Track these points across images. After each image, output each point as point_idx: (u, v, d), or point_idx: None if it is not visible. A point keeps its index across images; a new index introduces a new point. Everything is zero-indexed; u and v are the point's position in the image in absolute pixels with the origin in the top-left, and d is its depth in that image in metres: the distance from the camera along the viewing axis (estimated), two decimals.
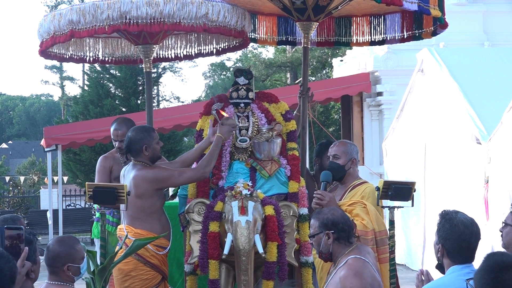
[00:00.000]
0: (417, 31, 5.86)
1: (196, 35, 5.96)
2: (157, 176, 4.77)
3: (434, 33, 5.82)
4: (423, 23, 5.78)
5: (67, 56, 5.89)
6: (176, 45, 6.10)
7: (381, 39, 6.05)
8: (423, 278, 3.38)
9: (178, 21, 4.84)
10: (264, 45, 30.85)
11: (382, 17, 5.97)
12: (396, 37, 5.98)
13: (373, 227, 4.46)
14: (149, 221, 4.78)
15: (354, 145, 4.98)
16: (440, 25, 5.65)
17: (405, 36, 5.95)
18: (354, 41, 6.13)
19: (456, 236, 3.22)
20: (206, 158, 4.83)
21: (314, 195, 4.69)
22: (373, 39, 6.07)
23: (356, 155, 4.86)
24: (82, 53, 5.98)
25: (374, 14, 5.99)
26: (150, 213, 4.78)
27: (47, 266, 3.50)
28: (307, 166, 5.73)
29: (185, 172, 4.80)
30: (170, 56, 6.21)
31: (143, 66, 5.64)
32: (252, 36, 6.04)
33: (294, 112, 5.47)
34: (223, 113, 4.98)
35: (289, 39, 6.12)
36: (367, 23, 6.04)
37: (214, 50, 6.05)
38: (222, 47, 6.02)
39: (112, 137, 5.82)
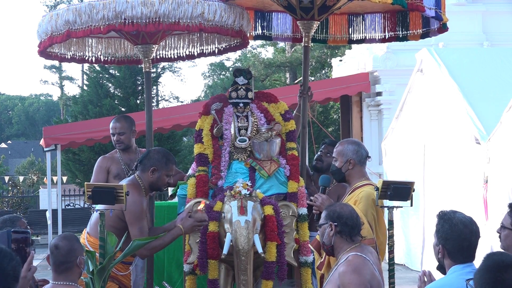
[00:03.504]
0: (400, 33, 5.88)
1: (198, 35, 5.95)
2: (131, 207, 4.50)
3: (425, 36, 5.83)
4: (409, 25, 5.80)
5: (69, 57, 5.88)
6: (178, 45, 6.08)
7: (359, 39, 6.06)
8: (425, 279, 3.37)
9: (173, 20, 4.81)
10: (264, 45, 30.92)
11: (361, 16, 5.99)
12: (376, 37, 6.00)
13: None
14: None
15: (353, 143, 4.81)
16: (439, 29, 5.66)
17: (387, 37, 5.96)
18: (331, 39, 6.15)
19: (456, 235, 3.21)
20: (156, 243, 4.56)
21: (311, 197, 4.74)
22: (351, 38, 6.09)
23: (354, 155, 4.69)
24: (83, 53, 5.97)
25: (352, 13, 6.00)
26: (109, 226, 4.49)
27: (59, 265, 3.45)
28: (308, 167, 5.75)
29: (141, 234, 4.53)
30: (172, 56, 6.19)
31: (143, 66, 5.64)
32: None
33: (294, 112, 5.48)
34: (201, 205, 4.65)
35: (265, 34, 6.13)
36: (345, 21, 6.05)
37: (216, 50, 6.04)
38: (223, 46, 6.01)
39: (110, 131, 5.82)
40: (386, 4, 4.91)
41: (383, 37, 5.99)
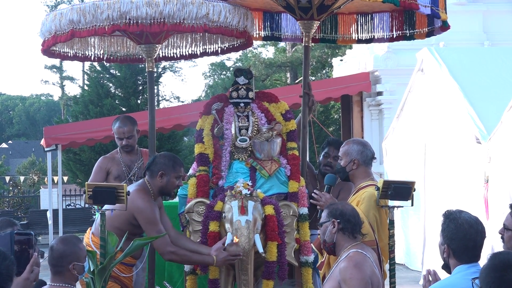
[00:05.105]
0: (407, 31, 5.87)
1: (201, 34, 5.94)
2: (143, 211, 4.57)
3: (430, 34, 5.82)
4: (415, 24, 5.79)
5: (71, 55, 5.86)
6: (181, 44, 6.07)
7: (368, 38, 6.05)
8: (431, 279, 3.37)
9: (178, 21, 4.81)
10: (264, 45, 30.92)
11: (370, 16, 5.98)
12: (385, 36, 5.99)
13: None
14: None
15: (359, 144, 4.85)
16: (441, 27, 5.65)
17: (395, 36, 5.95)
18: (340, 39, 6.13)
19: (462, 235, 3.21)
20: (186, 254, 4.63)
21: (312, 194, 4.74)
22: (359, 37, 6.07)
23: (359, 155, 4.74)
24: (86, 52, 5.95)
25: (361, 13, 5.99)
26: (114, 228, 4.55)
27: (52, 266, 3.47)
28: (312, 165, 5.74)
29: (160, 234, 4.53)
30: (175, 55, 6.17)
31: (145, 65, 5.63)
32: None
33: (297, 116, 5.47)
34: (235, 239, 4.54)
35: (275, 35, 6.11)
36: (353, 21, 6.05)
37: (219, 50, 6.03)
38: (227, 46, 6.00)
39: (116, 135, 5.79)
40: (377, 3, 4.91)
41: (391, 36, 5.96)
